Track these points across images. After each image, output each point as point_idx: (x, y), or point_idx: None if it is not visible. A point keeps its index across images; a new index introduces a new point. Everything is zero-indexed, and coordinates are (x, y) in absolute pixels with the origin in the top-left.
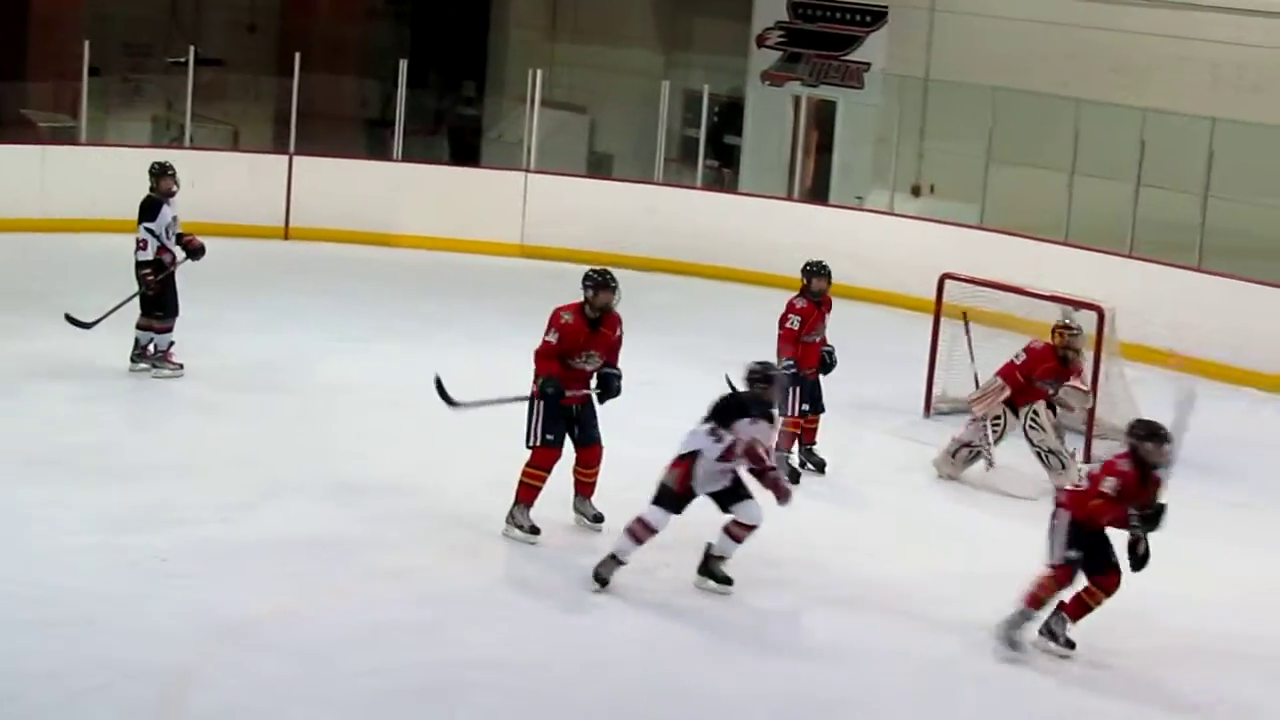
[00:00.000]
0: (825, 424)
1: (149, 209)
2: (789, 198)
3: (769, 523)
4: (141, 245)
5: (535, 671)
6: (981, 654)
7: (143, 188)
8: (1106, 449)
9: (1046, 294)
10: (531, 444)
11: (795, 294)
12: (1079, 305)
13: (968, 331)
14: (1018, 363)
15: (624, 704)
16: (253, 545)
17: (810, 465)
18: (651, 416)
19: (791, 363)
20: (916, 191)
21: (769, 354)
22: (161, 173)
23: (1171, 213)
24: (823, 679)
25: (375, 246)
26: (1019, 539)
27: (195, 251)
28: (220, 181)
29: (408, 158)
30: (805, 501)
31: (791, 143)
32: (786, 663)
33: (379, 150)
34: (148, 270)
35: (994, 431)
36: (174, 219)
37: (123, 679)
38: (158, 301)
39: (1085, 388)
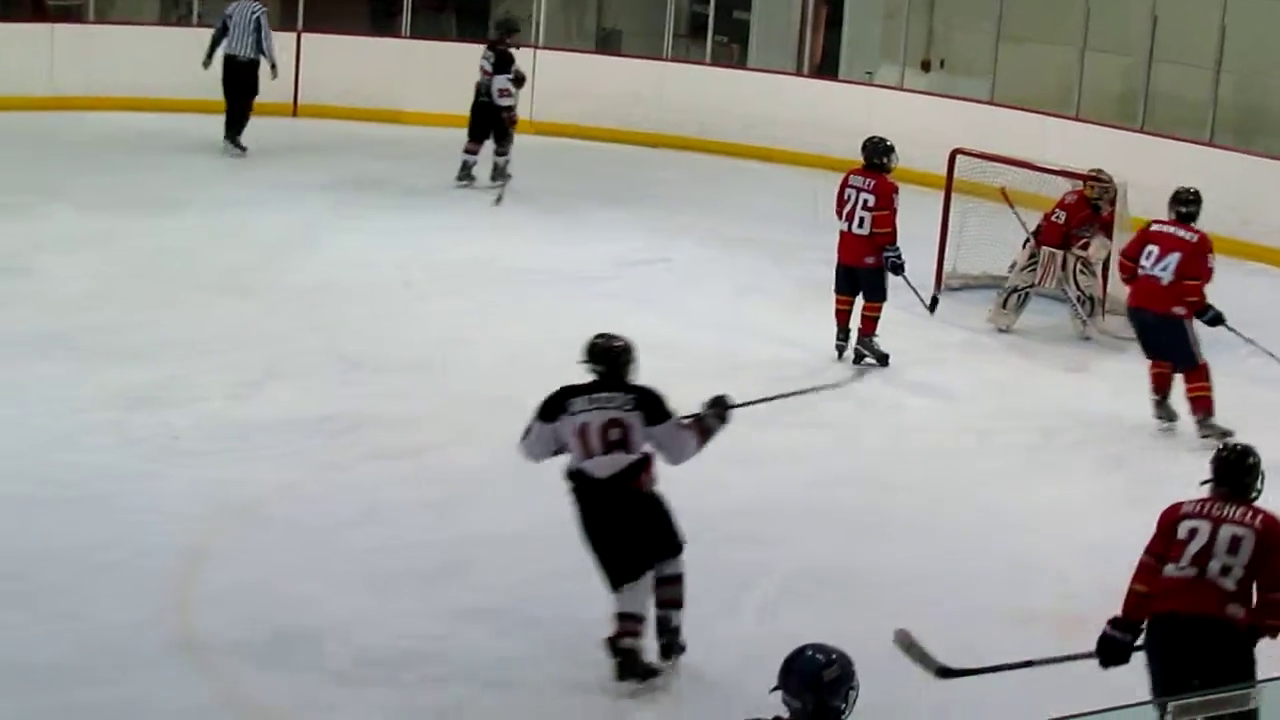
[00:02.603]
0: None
1: (504, 62)
2: (798, 73)
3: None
4: (504, 93)
5: (545, 549)
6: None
7: (150, 66)
8: (1118, 324)
9: (1057, 169)
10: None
11: (863, 173)
12: (1090, 180)
13: (1011, 205)
14: (1059, 222)
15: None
16: (263, 423)
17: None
18: (674, 293)
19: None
20: (926, 67)
21: (782, 229)
22: (511, 31)
23: (1183, 87)
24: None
25: (383, 124)
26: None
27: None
28: None
29: (415, 34)
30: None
31: (801, 18)
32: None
33: (387, 27)
34: (507, 114)
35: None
36: (517, 70)
37: (134, 556)
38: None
39: (1109, 241)
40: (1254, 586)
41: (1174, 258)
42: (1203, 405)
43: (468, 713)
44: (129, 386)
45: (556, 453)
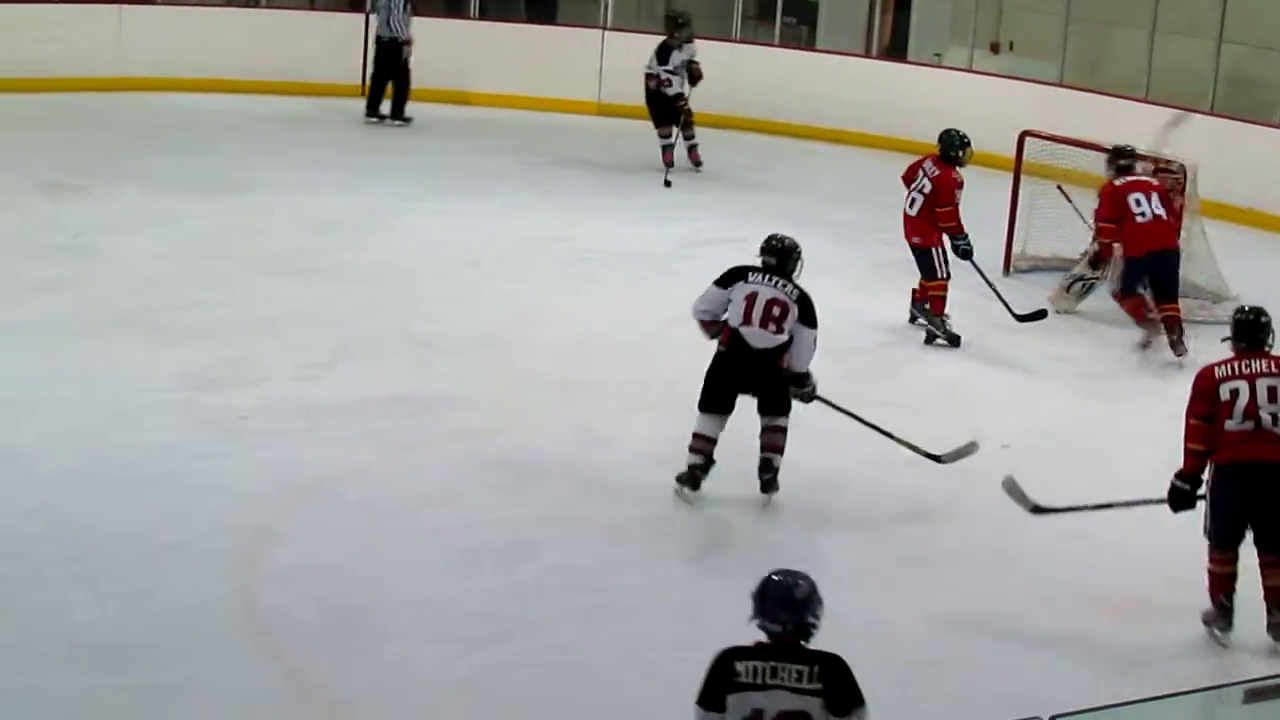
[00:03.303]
0: (906, 285)
1: (664, 53)
2: (867, 55)
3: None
4: (666, 83)
5: (612, 532)
6: None
7: (219, 47)
8: (1185, 308)
9: None
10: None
11: (934, 161)
12: (1159, 163)
13: (1069, 201)
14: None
15: (706, 559)
16: (332, 404)
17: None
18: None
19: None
20: (995, 48)
21: (851, 211)
22: (679, 25)
23: (1253, 69)
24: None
25: (452, 105)
26: None
27: (697, 78)
28: (296, 41)
29: (484, 16)
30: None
31: (869, 0)
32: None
33: (456, 8)
34: (681, 103)
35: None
36: (682, 61)
37: (203, 536)
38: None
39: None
40: None
41: (1157, 196)
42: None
43: (536, 693)
44: (197, 367)
45: (714, 320)
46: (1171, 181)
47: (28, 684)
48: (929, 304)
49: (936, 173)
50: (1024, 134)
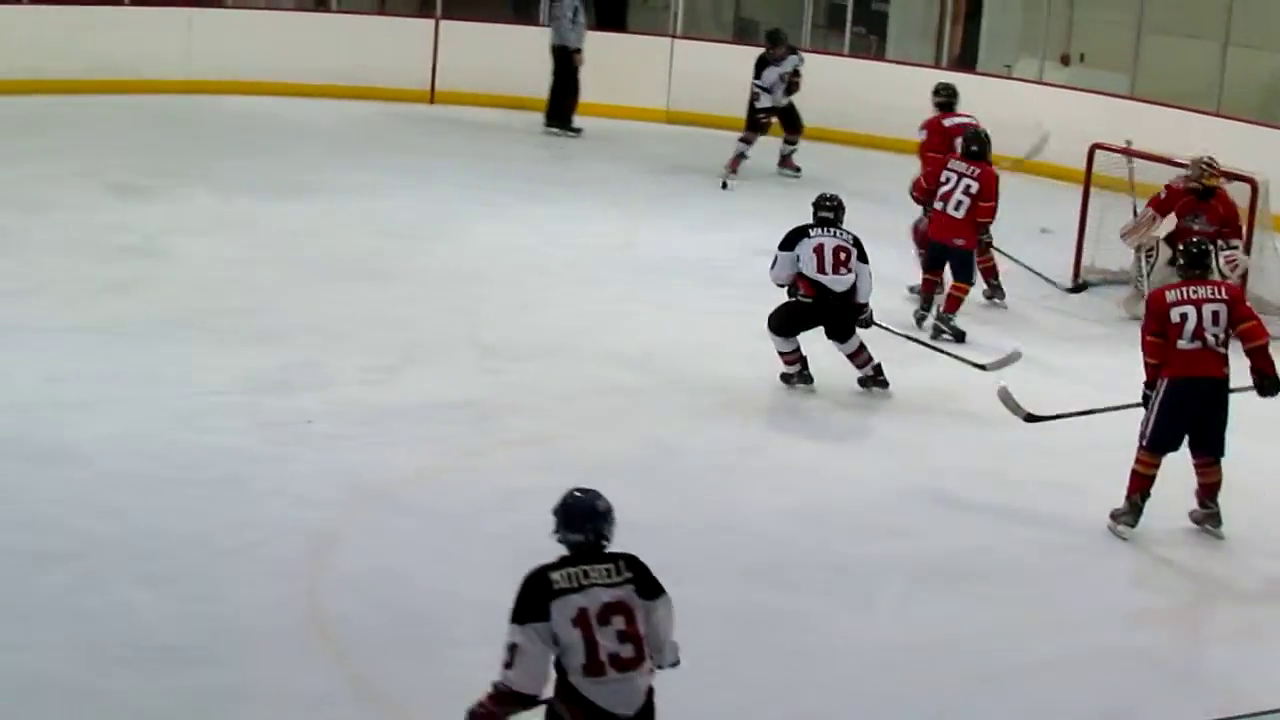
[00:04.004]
0: (975, 292)
1: (759, 66)
2: (937, 65)
3: None
4: (755, 96)
5: (677, 540)
6: None
7: (287, 50)
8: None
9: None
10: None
11: (968, 161)
12: (1230, 177)
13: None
14: (1161, 197)
15: (768, 573)
16: (397, 408)
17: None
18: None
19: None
20: (1066, 60)
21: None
22: (775, 41)
23: None
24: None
25: (520, 111)
26: None
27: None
28: (366, 45)
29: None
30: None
31: (940, 10)
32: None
33: (525, 15)
34: (763, 115)
35: (1147, 262)
36: (780, 75)
37: (267, 540)
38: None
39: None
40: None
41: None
42: None
43: None
44: (264, 370)
45: (789, 281)
46: (1197, 171)
47: (92, 684)
48: (947, 303)
49: (978, 171)
50: (1094, 146)
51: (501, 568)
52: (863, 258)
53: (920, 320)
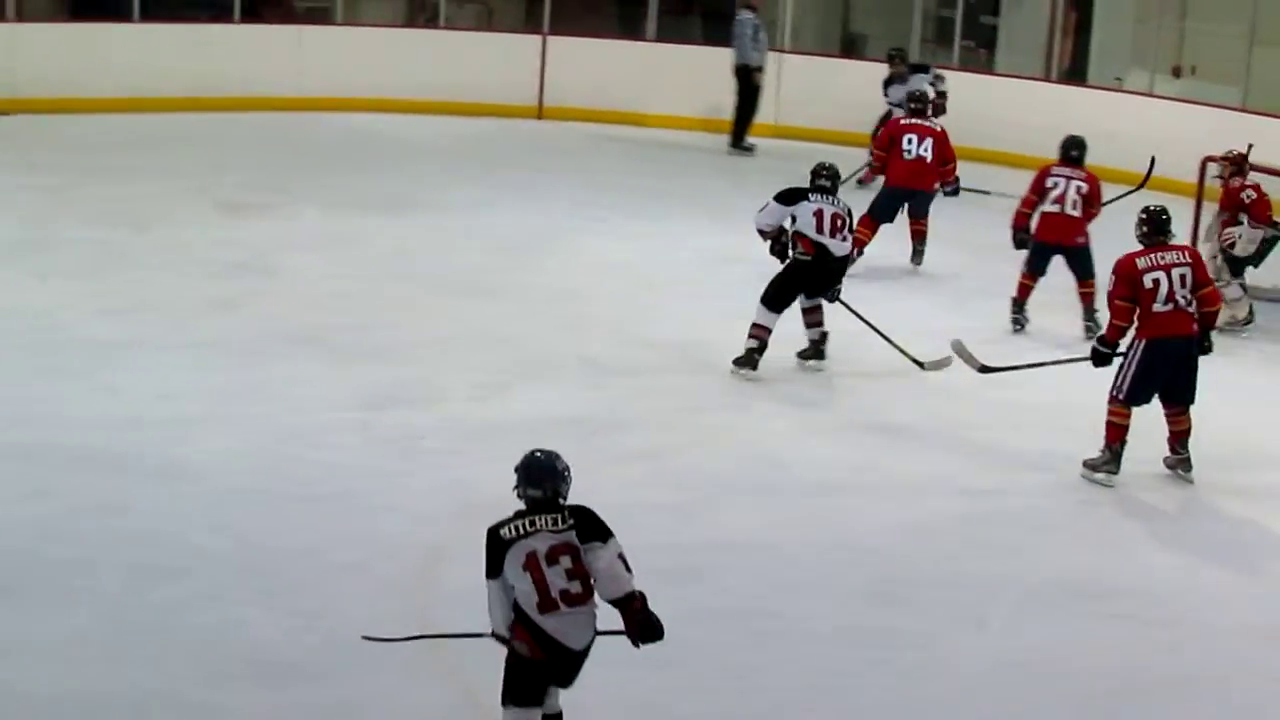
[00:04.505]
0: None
1: (887, 84)
2: (1046, 78)
3: None
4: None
5: (782, 557)
6: None
7: (396, 66)
8: None
9: None
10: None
11: (1071, 166)
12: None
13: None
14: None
15: (882, 590)
16: (507, 424)
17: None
18: (912, 299)
19: None
20: (1177, 72)
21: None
22: (897, 60)
23: None
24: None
25: (628, 126)
26: None
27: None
28: (474, 62)
29: (661, 37)
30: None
31: (1049, 23)
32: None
33: (632, 30)
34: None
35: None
36: (906, 93)
37: (379, 555)
38: None
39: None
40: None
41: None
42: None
43: (710, 718)
44: (373, 386)
45: (774, 229)
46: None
47: (204, 699)
48: (1085, 300)
49: (1084, 174)
50: (1206, 159)
51: None
52: (852, 229)
53: (1020, 326)
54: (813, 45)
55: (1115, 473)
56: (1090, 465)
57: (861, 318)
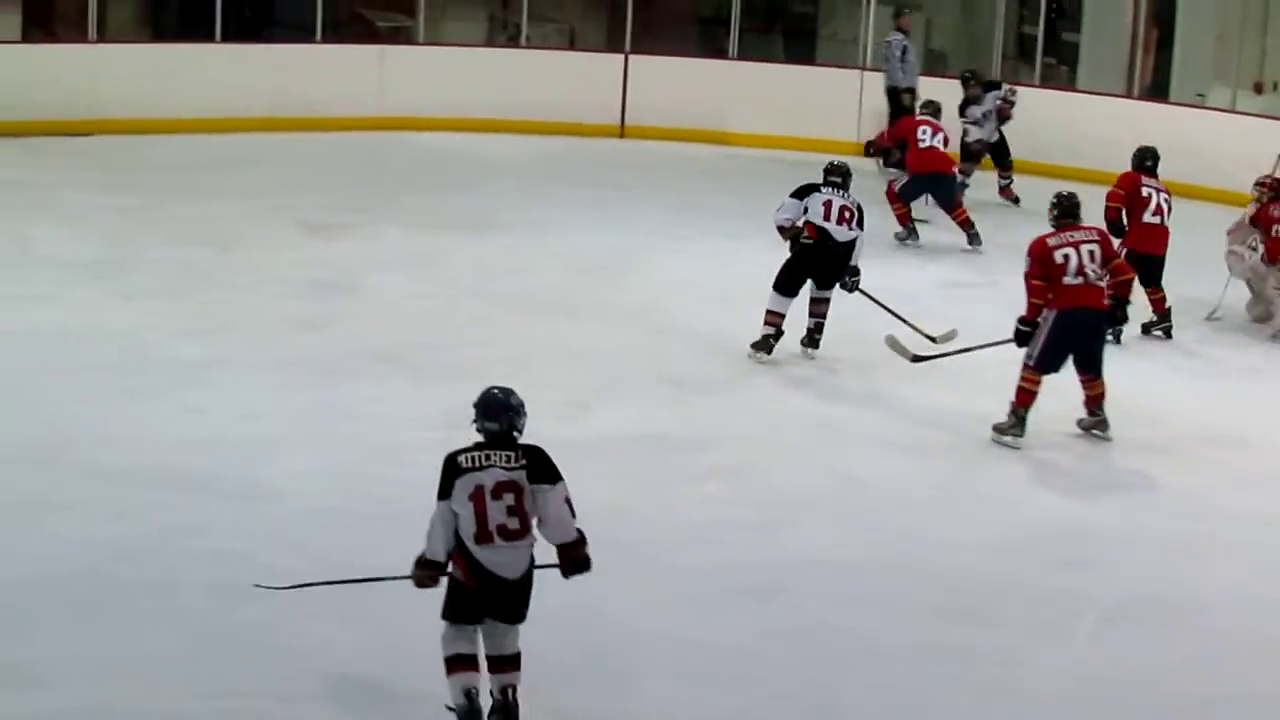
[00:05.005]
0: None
1: (965, 104)
2: (1128, 95)
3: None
4: (964, 132)
5: (861, 575)
6: None
7: (477, 86)
8: None
9: None
10: None
11: (1154, 177)
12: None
13: None
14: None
15: (960, 607)
16: (587, 442)
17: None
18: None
19: None
20: (1259, 89)
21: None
22: (971, 82)
23: None
24: None
25: (710, 144)
26: None
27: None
28: (555, 81)
29: (743, 56)
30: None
31: (1131, 39)
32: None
33: (714, 48)
34: (976, 144)
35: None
36: (983, 113)
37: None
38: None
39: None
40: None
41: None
42: None
43: None
44: (456, 404)
45: (791, 224)
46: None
47: (284, 718)
48: (1157, 306)
49: (1165, 186)
50: (1257, 182)
51: (691, 601)
52: (862, 225)
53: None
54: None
55: (1021, 435)
56: (998, 429)
57: (879, 302)
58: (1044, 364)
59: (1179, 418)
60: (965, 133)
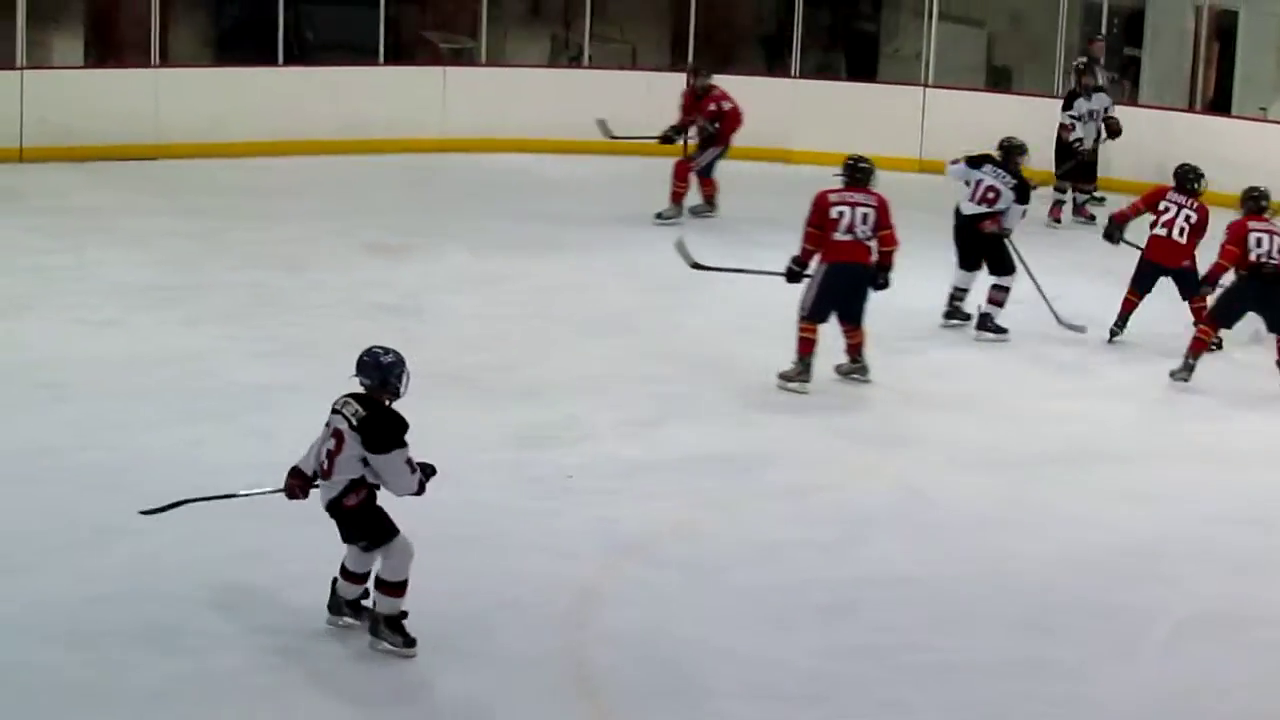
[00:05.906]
0: (1230, 336)
1: (1069, 100)
2: (1190, 109)
3: None
4: (1068, 128)
5: (933, 593)
6: None
7: (539, 107)
8: None
9: None
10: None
11: (1183, 194)
12: None
13: None
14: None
15: (1031, 622)
16: (655, 462)
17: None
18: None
19: None
20: None
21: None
22: (1079, 70)
23: None
24: None
25: (773, 163)
26: None
27: (1114, 133)
28: (618, 100)
29: (805, 74)
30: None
31: (1193, 54)
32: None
33: (776, 67)
34: (1076, 144)
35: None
36: (1089, 110)
37: (529, 595)
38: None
39: None
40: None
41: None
42: None
43: None
44: (523, 425)
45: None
46: None
47: None
48: (1198, 315)
49: (1195, 203)
50: None
51: (759, 619)
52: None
53: (1114, 336)
54: (956, 79)
55: (807, 381)
56: (784, 376)
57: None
58: (815, 313)
59: (1247, 433)
60: (1068, 128)
